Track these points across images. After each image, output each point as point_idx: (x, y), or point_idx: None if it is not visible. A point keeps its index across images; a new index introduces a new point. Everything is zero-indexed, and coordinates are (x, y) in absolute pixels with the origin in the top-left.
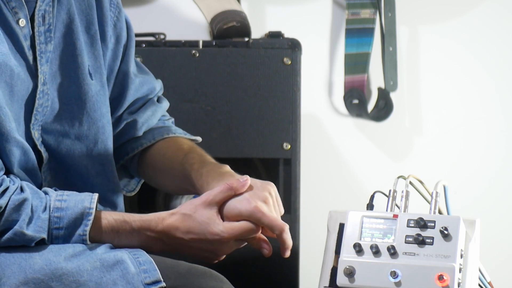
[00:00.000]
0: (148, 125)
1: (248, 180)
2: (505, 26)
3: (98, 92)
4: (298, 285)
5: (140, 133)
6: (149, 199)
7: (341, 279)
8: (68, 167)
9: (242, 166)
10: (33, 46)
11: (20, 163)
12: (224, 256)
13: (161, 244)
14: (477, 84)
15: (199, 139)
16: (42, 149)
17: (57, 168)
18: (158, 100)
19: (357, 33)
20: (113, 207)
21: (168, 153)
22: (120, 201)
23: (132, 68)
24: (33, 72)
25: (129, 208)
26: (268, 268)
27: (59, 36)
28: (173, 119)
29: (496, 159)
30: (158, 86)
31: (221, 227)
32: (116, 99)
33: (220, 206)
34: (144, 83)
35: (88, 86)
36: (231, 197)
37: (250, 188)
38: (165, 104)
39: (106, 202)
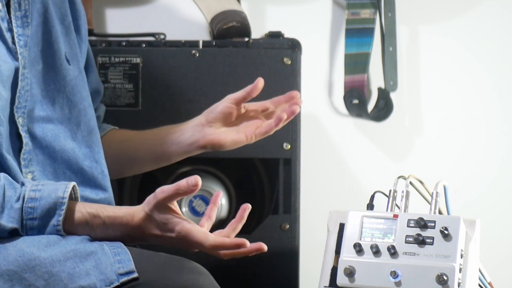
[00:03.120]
0: (101, 121)
1: (197, 186)
2: (505, 26)
3: (76, 77)
4: (298, 285)
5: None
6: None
7: (341, 279)
8: (56, 154)
9: (242, 166)
10: (11, 30)
11: (6, 145)
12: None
13: (135, 240)
14: (477, 84)
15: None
16: (23, 133)
17: (44, 161)
18: None
19: (357, 33)
20: (104, 191)
21: (127, 133)
22: (109, 184)
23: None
24: (13, 54)
25: (129, 204)
26: (268, 268)
27: (35, 25)
28: None
29: (496, 159)
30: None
31: (178, 227)
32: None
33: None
34: (102, 85)
35: (66, 71)
36: (179, 197)
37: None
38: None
39: (96, 185)
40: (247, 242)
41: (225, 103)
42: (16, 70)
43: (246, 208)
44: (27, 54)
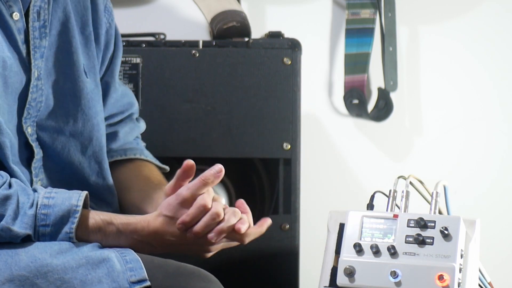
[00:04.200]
0: (125, 140)
1: (222, 172)
2: (505, 26)
3: (92, 90)
4: (298, 285)
5: (117, 146)
6: None
7: (341, 279)
8: (63, 165)
9: (242, 166)
10: (27, 41)
11: (13, 157)
12: (215, 251)
13: (150, 247)
14: (477, 84)
15: (167, 168)
16: (34, 144)
17: (52, 168)
18: (137, 120)
19: (357, 33)
20: (109, 206)
21: (140, 176)
22: (115, 200)
23: (117, 78)
24: (26, 66)
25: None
26: (268, 268)
27: (55, 34)
28: (145, 144)
29: (496, 159)
30: (137, 104)
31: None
32: None
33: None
34: (125, 94)
35: (83, 83)
36: (206, 188)
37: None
38: (143, 125)
39: (102, 201)
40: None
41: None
42: (28, 82)
43: (242, 202)
44: (43, 65)
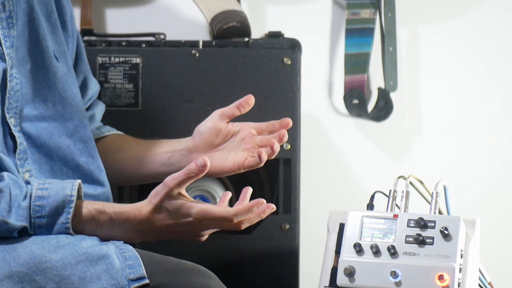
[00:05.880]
0: (98, 120)
1: (206, 167)
2: (505, 26)
3: (66, 73)
4: (298, 285)
5: (93, 127)
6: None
7: (341, 279)
8: (51, 152)
9: None
10: None
11: (1, 146)
12: (208, 235)
13: (142, 234)
14: (477, 84)
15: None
16: (17, 134)
17: (40, 159)
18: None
19: (357, 33)
20: (101, 185)
21: (124, 143)
22: (106, 178)
23: (88, 67)
24: (1, 55)
25: (129, 201)
26: (268, 268)
27: (21, 24)
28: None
29: (496, 159)
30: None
31: (195, 210)
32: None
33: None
34: (96, 82)
35: (56, 68)
36: (190, 182)
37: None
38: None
39: (94, 180)
40: (264, 200)
41: (212, 120)
42: (4, 72)
43: (248, 191)
44: (14, 54)
